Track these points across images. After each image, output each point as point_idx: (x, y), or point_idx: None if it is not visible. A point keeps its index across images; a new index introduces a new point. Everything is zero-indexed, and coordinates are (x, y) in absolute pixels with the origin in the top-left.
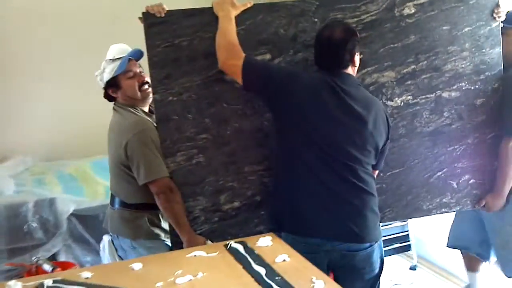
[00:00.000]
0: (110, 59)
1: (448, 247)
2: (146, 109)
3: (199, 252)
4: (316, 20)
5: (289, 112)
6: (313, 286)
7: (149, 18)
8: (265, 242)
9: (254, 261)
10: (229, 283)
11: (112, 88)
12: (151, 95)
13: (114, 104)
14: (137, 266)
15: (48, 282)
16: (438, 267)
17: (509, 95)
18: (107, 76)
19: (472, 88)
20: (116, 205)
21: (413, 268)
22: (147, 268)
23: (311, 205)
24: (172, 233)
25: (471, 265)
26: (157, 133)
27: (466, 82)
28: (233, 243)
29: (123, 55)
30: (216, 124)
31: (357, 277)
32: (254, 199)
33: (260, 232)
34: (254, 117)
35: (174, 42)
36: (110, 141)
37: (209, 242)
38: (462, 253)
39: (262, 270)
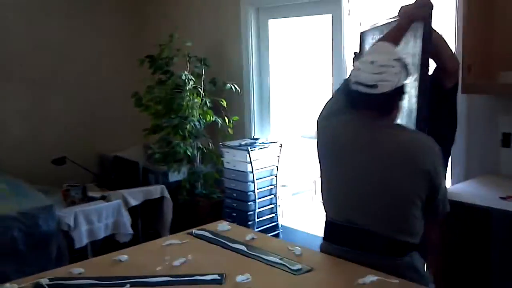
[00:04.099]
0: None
1: None
2: None
3: (173, 241)
4: None
5: None
6: (294, 252)
7: None
8: (224, 227)
9: (228, 242)
10: (220, 260)
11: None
12: None
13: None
14: (123, 257)
15: (45, 281)
16: None
17: None
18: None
19: None
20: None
21: None
22: (134, 258)
23: None
24: None
25: None
26: None
27: None
28: (195, 231)
29: None
30: None
31: None
32: None
33: None
34: None
35: None
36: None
37: None
38: None
39: (242, 247)
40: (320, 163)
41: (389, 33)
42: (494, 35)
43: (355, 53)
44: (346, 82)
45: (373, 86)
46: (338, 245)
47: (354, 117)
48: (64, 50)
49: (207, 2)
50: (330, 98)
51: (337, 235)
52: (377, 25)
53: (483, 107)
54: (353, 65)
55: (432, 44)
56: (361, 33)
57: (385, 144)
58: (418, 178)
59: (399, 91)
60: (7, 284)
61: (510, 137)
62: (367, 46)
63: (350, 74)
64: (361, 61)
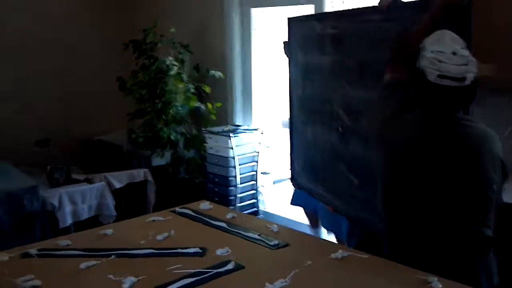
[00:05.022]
0: None
1: (292, 205)
2: None
3: (156, 217)
4: None
5: None
6: (271, 229)
7: None
8: (206, 206)
9: (210, 219)
10: (201, 235)
11: None
12: None
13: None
14: (108, 231)
15: (33, 251)
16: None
17: None
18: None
19: None
20: None
21: None
22: (119, 233)
23: None
24: None
25: (312, 222)
26: None
27: None
28: (178, 209)
29: None
30: None
31: None
32: None
33: None
34: None
35: None
36: None
37: None
38: (304, 211)
39: (222, 224)
40: (387, 172)
41: (425, 20)
42: None
43: (284, 42)
44: (417, 76)
45: (462, 79)
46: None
47: (424, 114)
48: (49, 34)
49: None
50: (387, 96)
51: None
52: (323, 15)
53: None
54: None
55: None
56: (289, 19)
57: (462, 137)
58: (495, 166)
59: (477, 81)
60: None
61: None
62: (300, 35)
63: (423, 68)
64: (436, 52)
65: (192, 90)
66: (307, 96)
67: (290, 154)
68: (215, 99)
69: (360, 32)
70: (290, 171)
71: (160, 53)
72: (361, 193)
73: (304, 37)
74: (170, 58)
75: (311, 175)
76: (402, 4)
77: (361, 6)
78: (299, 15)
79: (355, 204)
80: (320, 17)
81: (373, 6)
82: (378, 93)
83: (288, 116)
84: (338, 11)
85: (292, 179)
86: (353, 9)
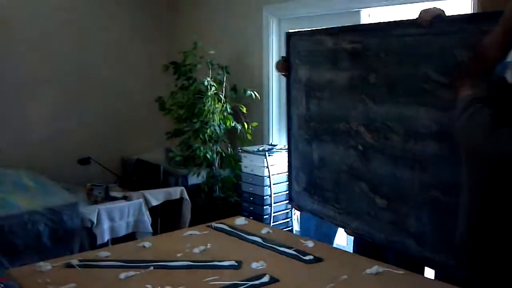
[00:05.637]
0: None
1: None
2: None
3: (192, 231)
4: None
5: None
6: (306, 245)
7: None
8: (242, 222)
9: (245, 234)
10: (237, 249)
11: None
12: None
13: None
14: (146, 244)
15: (74, 261)
16: None
17: None
18: None
19: None
20: None
21: None
22: (157, 246)
23: None
24: None
25: None
26: None
27: None
28: (214, 224)
29: None
30: None
31: None
32: None
33: None
34: None
35: None
36: None
37: None
38: None
39: (257, 239)
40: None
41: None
42: None
43: (283, 57)
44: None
45: None
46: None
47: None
48: (92, 58)
49: (231, 13)
50: (477, 112)
51: None
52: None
53: None
54: None
55: None
56: (289, 34)
57: None
58: None
59: None
60: (41, 263)
61: None
62: (303, 50)
63: None
64: None
65: (229, 110)
66: (313, 114)
67: (288, 175)
68: (252, 119)
69: (391, 46)
70: (288, 192)
71: (199, 74)
72: (389, 214)
73: (310, 52)
74: (208, 79)
75: (318, 196)
76: (447, 18)
77: (392, 20)
78: (301, 30)
79: (381, 225)
80: (333, 31)
81: (412, 20)
82: (460, 111)
83: (286, 135)
84: (358, 24)
85: (291, 201)
86: (381, 22)
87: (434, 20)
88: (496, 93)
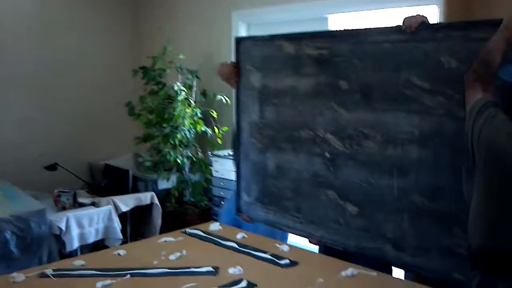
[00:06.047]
0: None
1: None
2: None
3: (167, 238)
4: None
5: None
6: (281, 249)
7: None
8: (216, 227)
9: (220, 239)
10: (213, 255)
11: None
12: None
13: None
14: (122, 252)
15: (49, 271)
16: None
17: None
18: None
19: None
20: None
21: None
22: (131, 253)
23: None
24: None
25: None
26: None
27: None
28: (188, 230)
29: None
30: None
31: None
32: None
33: None
34: None
35: None
36: None
37: None
38: None
39: (233, 244)
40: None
41: (498, 37)
42: None
43: (232, 62)
44: None
45: None
46: None
47: None
48: (60, 61)
49: (200, 18)
50: (493, 116)
51: None
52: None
53: None
54: None
55: None
56: (239, 39)
57: None
58: None
59: None
60: (14, 273)
61: None
62: (257, 56)
63: None
64: None
65: (199, 115)
66: (269, 121)
67: (237, 186)
68: (222, 123)
69: (366, 53)
70: (235, 203)
71: (168, 79)
72: (361, 220)
73: (265, 58)
74: (178, 84)
75: (275, 206)
76: (432, 26)
77: (364, 27)
78: (253, 35)
79: (351, 233)
80: (294, 37)
81: (394, 27)
82: (475, 113)
83: (232, 145)
84: (324, 30)
85: (239, 211)
86: (356, 29)
87: (419, 27)
88: (508, 98)
